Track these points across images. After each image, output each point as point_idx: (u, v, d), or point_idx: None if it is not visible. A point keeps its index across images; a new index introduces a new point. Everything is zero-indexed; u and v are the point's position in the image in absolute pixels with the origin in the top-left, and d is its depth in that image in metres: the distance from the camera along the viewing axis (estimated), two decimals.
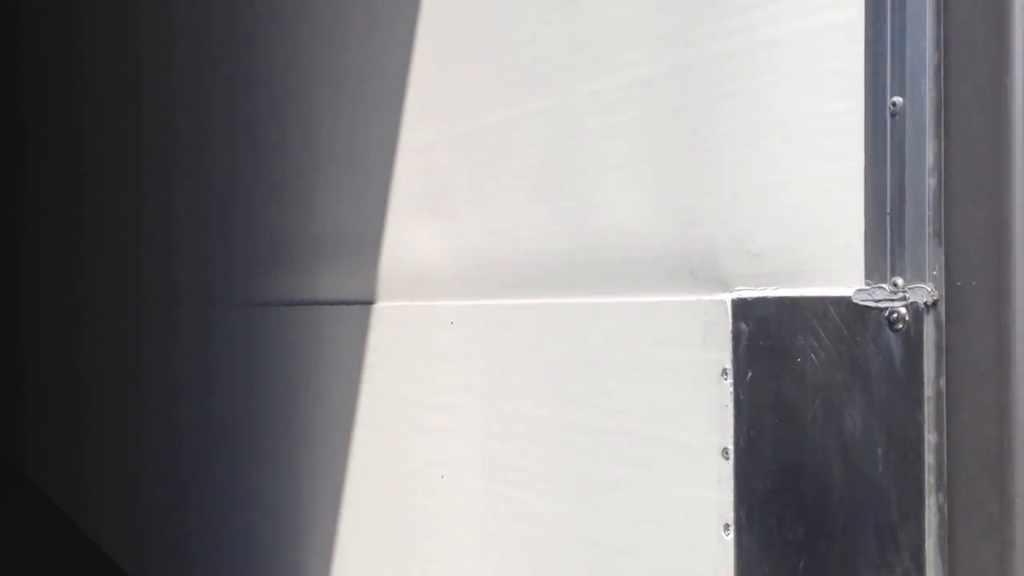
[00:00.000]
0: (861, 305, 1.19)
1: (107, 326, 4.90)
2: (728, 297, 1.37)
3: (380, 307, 2.29)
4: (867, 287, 1.19)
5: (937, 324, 1.14)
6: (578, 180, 1.67)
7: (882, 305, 1.17)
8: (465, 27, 1.95)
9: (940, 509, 1.13)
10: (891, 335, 1.16)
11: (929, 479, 1.13)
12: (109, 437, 4.83)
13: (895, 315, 1.15)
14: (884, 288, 1.17)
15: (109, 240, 4.90)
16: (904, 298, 1.15)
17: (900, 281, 1.16)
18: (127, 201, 4.49)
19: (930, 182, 1.15)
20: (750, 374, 1.32)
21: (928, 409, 1.13)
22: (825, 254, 1.25)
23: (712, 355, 1.39)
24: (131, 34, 4.40)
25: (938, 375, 1.14)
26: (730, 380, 1.35)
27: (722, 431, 1.37)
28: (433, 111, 2.09)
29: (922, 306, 1.14)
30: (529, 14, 1.77)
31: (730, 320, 1.36)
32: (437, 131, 2.08)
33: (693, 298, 1.43)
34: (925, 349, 1.14)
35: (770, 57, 1.32)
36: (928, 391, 1.13)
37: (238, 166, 3.12)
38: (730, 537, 1.35)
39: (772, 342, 1.30)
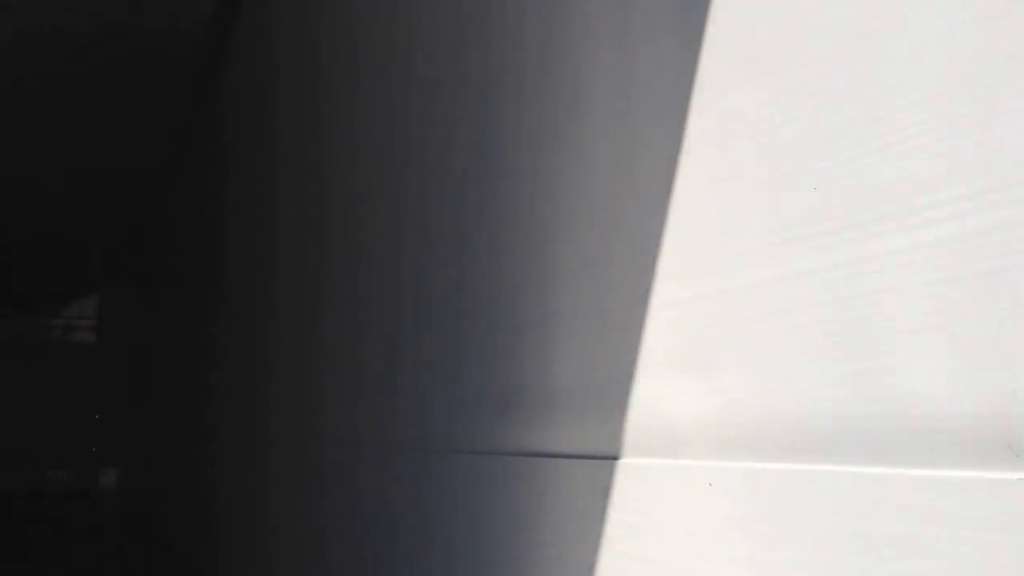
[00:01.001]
0: None
1: (314, 467, 4.97)
2: None
3: (626, 464, 2.22)
4: None
5: None
6: (865, 342, 1.58)
7: None
8: (735, 183, 1.92)
9: None
10: None
11: None
12: None
13: None
14: None
15: (323, 377, 5.01)
16: None
17: None
18: (350, 338, 4.59)
19: None
20: None
21: None
22: None
23: None
24: (360, 184, 4.56)
25: None
26: None
27: None
28: (690, 267, 2.05)
29: None
30: (810, 169, 1.72)
31: None
32: (695, 287, 2.03)
33: (1014, 476, 1.31)
34: None
35: None
36: None
37: (467, 312, 3.14)
38: None
39: None
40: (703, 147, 2.03)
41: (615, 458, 2.27)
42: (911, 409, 1.48)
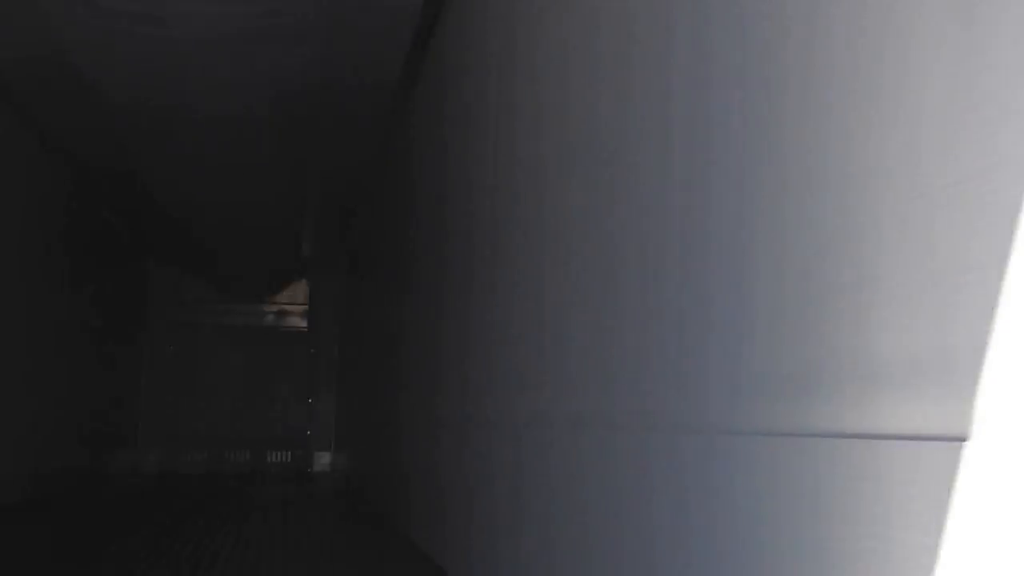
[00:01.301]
0: None
1: (556, 449, 4.80)
2: None
3: (979, 445, 1.92)
4: None
5: None
6: None
7: None
8: None
9: None
10: None
11: None
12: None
13: None
14: None
15: (558, 352, 4.82)
16: None
17: None
18: (592, 307, 4.39)
19: None
20: None
21: None
22: None
23: None
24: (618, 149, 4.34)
25: None
26: None
27: None
28: None
29: None
30: None
31: None
32: None
33: None
34: None
35: None
36: None
37: (753, 281, 2.88)
38: None
39: None
40: None
41: (962, 439, 1.98)
42: None
